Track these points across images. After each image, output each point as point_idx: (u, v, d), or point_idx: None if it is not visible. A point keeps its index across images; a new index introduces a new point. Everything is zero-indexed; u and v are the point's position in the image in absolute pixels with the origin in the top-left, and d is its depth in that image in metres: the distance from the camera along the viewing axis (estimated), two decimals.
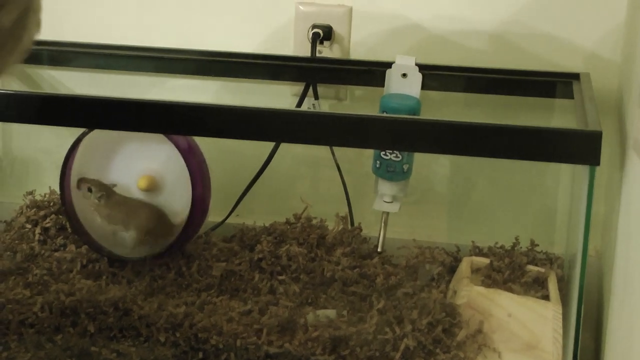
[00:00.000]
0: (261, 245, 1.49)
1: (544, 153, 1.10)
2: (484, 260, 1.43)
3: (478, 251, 1.51)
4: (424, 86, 1.43)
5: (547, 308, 1.27)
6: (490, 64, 1.52)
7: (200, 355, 1.26)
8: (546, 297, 1.31)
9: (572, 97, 1.38)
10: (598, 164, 1.10)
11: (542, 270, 1.39)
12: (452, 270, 1.46)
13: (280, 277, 1.45)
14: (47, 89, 1.70)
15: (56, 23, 1.59)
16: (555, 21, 1.53)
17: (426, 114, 1.38)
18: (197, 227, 1.48)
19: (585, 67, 1.52)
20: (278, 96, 1.61)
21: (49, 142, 1.73)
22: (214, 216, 1.58)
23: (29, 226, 1.57)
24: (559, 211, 1.59)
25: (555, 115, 1.53)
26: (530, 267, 1.41)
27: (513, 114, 1.54)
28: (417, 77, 1.42)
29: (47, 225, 1.56)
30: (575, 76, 1.46)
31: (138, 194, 1.51)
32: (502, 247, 1.50)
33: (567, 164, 1.45)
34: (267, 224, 1.57)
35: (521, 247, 1.49)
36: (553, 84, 1.47)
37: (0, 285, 1.35)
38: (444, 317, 1.25)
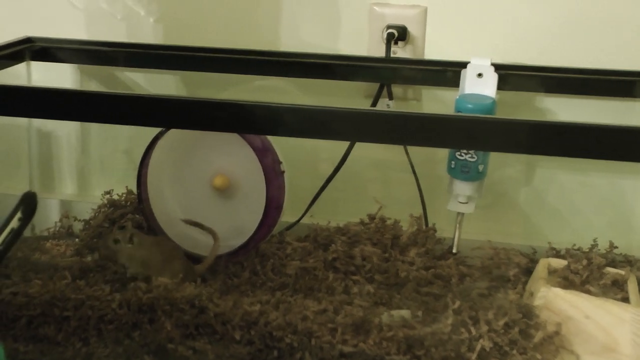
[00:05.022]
0: (335, 245, 1.49)
1: (625, 152, 1.07)
2: (561, 262, 1.41)
3: (555, 253, 1.49)
4: (499, 86, 1.41)
5: (626, 310, 1.24)
6: (570, 63, 1.50)
7: (275, 353, 1.26)
8: (626, 300, 1.29)
9: None
10: None
11: (622, 272, 1.37)
12: (528, 271, 1.45)
13: (354, 277, 1.45)
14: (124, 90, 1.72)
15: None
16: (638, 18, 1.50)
17: (502, 115, 1.37)
18: (271, 226, 1.49)
19: None
20: (350, 97, 1.60)
21: (126, 142, 1.75)
22: (288, 216, 1.58)
23: (107, 225, 1.59)
24: (639, 213, 1.57)
25: (636, 115, 1.51)
26: (609, 269, 1.38)
27: (592, 114, 1.52)
28: (492, 77, 1.40)
29: (124, 223, 1.57)
30: None
31: (212, 193, 1.52)
32: (579, 249, 1.48)
33: None
34: (341, 225, 1.57)
35: (599, 249, 1.47)
36: (633, 84, 1.45)
37: (80, 282, 1.36)
38: (520, 318, 1.23)
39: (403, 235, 1.51)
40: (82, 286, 1.35)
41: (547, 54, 1.52)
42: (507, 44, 1.53)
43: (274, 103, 1.08)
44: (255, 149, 1.42)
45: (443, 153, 1.48)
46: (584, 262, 1.39)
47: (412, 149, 1.58)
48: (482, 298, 1.32)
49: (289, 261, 1.48)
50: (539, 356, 1.20)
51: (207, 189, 1.53)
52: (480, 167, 1.41)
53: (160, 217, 1.53)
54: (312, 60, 1.55)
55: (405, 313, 1.33)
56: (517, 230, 1.62)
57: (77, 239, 1.64)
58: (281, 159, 1.47)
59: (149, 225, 1.53)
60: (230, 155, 1.50)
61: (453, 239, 1.51)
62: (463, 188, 1.44)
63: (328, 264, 1.47)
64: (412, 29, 1.56)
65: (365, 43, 1.58)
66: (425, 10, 1.55)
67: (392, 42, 1.54)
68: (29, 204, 1.64)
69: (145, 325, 1.28)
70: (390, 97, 1.56)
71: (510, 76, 1.46)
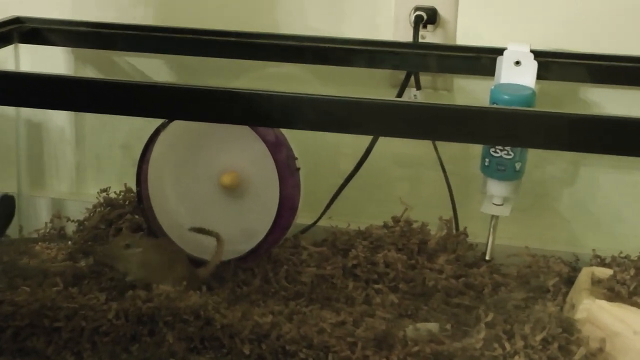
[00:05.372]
0: (356, 251, 1.50)
1: None
2: (606, 271, 1.41)
3: (599, 261, 1.49)
4: (539, 75, 1.42)
5: None
6: (619, 51, 1.50)
7: None
8: None
9: None
10: None
11: None
12: (569, 281, 1.45)
13: (376, 286, 1.45)
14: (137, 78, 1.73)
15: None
16: None
17: (542, 108, 1.37)
18: (284, 229, 1.50)
19: None
20: (375, 86, 1.61)
21: (125, 135, 1.76)
22: (303, 218, 1.59)
23: (103, 226, 1.60)
24: None
25: None
26: None
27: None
28: (531, 65, 1.41)
29: (122, 226, 1.59)
30: None
31: (220, 192, 1.53)
32: (627, 256, 1.48)
33: None
34: (362, 228, 1.58)
35: None
36: None
37: (73, 290, 1.37)
38: (560, 333, 1.24)
39: (431, 240, 1.52)
40: (74, 294, 1.36)
41: (594, 40, 1.52)
42: (549, 28, 1.53)
43: (289, 92, 1.09)
44: (268, 143, 1.43)
45: (476, 149, 1.49)
46: (632, 271, 1.39)
47: (441, 145, 1.58)
48: (518, 310, 1.33)
49: (304, 268, 1.49)
50: None
51: (214, 188, 1.54)
52: (518, 166, 1.41)
53: (161, 218, 1.54)
54: (332, 46, 1.55)
55: (432, 326, 1.33)
56: (558, 235, 1.62)
57: (69, 242, 1.65)
58: (296, 155, 1.47)
59: (149, 227, 1.54)
60: (240, 150, 1.51)
61: (486, 244, 1.52)
62: (498, 188, 1.44)
63: (347, 271, 1.48)
64: (443, 11, 1.56)
65: (390, 27, 1.59)
66: None
67: (421, 26, 1.55)
68: (4, 208, 1.65)
69: (144, 337, 1.29)
70: (418, 86, 1.57)
71: (552, 64, 1.47)
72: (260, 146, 1.43)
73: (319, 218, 1.65)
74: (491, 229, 1.50)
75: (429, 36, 1.57)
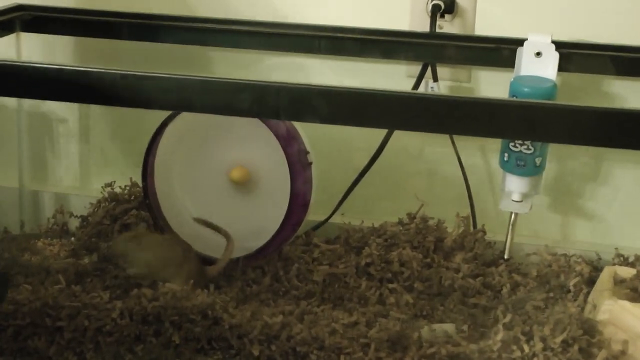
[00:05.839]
0: (369, 249, 1.50)
1: None
2: (629, 271, 1.41)
3: (622, 260, 1.49)
4: (561, 67, 1.42)
5: None
6: None
7: None
8: None
9: None
10: None
11: None
12: (591, 281, 1.45)
13: (390, 285, 1.46)
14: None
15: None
16: None
17: (563, 101, 1.37)
18: (296, 225, 1.50)
19: None
20: (391, 77, 1.61)
21: (131, 127, 1.77)
22: (315, 214, 1.60)
23: (107, 222, 1.61)
24: None
25: None
26: None
27: None
28: (553, 57, 1.41)
29: (128, 221, 1.59)
30: None
31: (229, 187, 1.54)
32: None
33: None
34: (376, 225, 1.58)
35: None
36: None
37: (76, 288, 1.38)
38: (581, 335, 1.24)
39: (448, 238, 1.52)
40: (77, 292, 1.36)
41: (618, 30, 1.52)
42: (571, 17, 1.53)
43: (301, 84, 1.09)
44: (279, 136, 1.43)
45: (495, 144, 1.49)
46: None
47: (459, 139, 1.58)
48: (537, 311, 1.33)
49: (316, 266, 1.49)
50: None
51: (224, 183, 1.54)
52: (538, 161, 1.41)
53: (168, 213, 1.55)
54: (345, 36, 1.55)
55: (448, 327, 1.34)
56: (580, 233, 1.63)
57: (72, 238, 1.66)
58: (308, 149, 1.48)
59: (155, 223, 1.54)
60: (250, 144, 1.52)
61: (505, 242, 1.52)
62: (518, 184, 1.45)
63: (361, 269, 1.48)
64: (461, 0, 1.56)
65: (406, 16, 1.59)
66: None
67: (438, 15, 1.55)
68: None
69: (150, 338, 1.29)
70: (435, 78, 1.57)
71: (574, 55, 1.47)
72: (271, 140, 1.43)
73: (332, 214, 1.65)
74: (510, 227, 1.51)
75: (446, 26, 1.58)
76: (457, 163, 1.59)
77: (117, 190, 1.66)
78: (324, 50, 1.56)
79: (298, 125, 1.48)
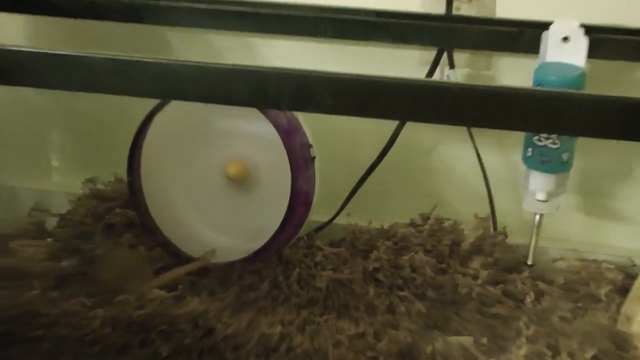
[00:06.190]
0: (378, 252, 1.50)
1: None
2: None
3: None
4: (591, 54, 1.42)
5: None
6: None
7: None
8: None
9: None
10: None
11: None
12: (624, 290, 1.45)
13: (401, 293, 1.46)
14: None
15: None
16: None
17: (593, 90, 1.37)
18: (297, 226, 1.50)
19: None
20: (403, 64, 1.61)
21: (115, 117, 1.76)
22: (318, 214, 1.59)
23: (89, 222, 1.61)
24: None
25: None
26: None
27: None
28: (581, 42, 1.41)
29: (112, 221, 1.59)
30: None
31: (224, 184, 1.54)
32: None
33: None
34: (385, 226, 1.58)
35: None
36: None
37: (53, 294, 1.38)
38: (613, 350, 1.24)
39: (465, 241, 1.52)
40: (56, 299, 1.36)
41: None
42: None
43: (304, 70, 1.09)
44: (279, 128, 1.43)
45: (518, 138, 1.49)
46: None
47: (478, 132, 1.58)
48: (564, 323, 1.33)
49: (319, 271, 1.49)
50: None
51: (218, 179, 1.54)
52: (565, 156, 1.41)
53: (156, 212, 1.54)
54: (352, 18, 1.55)
55: (465, 340, 1.34)
56: (611, 237, 1.62)
57: (50, 239, 1.65)
58: (312, 142, 1.48)
59: (142, 223, 1.54)
60: (247, 137, 1.52)
61: (529, 246, 1.52)
62: (542, 182, 1.44)
63: (368, 275, 1.48)
64: None
65: None
66: None
67: None
68: None
69: (135, 349, 1.30)
70: (452, 65, 1.57)
71: (605, 41, 1.46)
72: (271, 132, 1.43)
73: (336, 214, 1.65)
74: (534, 229, 1.50)
75: (464, 7, 1.57)
76: (476, 158, 1.59)
77: (100, 186, 1.66)
78: (329, 33, 1.56)
79: (300, 117, 1.48)
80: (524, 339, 1.28)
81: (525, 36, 1.49)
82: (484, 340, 1.34)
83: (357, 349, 1.29)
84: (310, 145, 1.47)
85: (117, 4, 1.59)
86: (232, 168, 1.51)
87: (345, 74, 1.08)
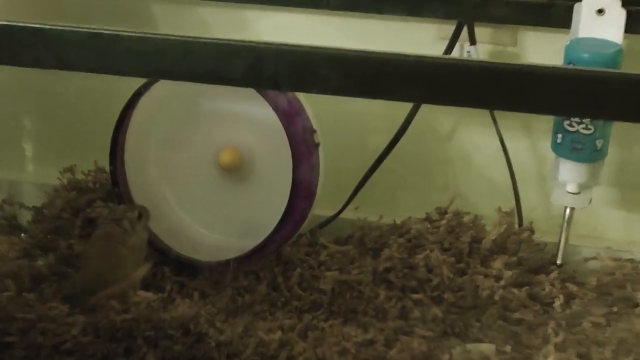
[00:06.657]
0: (389, 251, 1.51)
1: None
2: None
3: None
4: (628, 28, 1.42)
5: None
6: None
7: None
8: None
9: None
10: None
11: None
12: None
13: (415, 296, 1.46)
14: None
15: None
16: None
17: (631, 68, 1.38)
18: (298, 222, 1.51)
19: None
20: (419, 40, 1.62)
21: (97, 99, 1.77)
22: (323, 208, 1.60)
23: (67, 215, 1.61)
24: None
25: None
26: None
27: None
28: (618, 15, 1.41)
29: (92, 215, 1.59)
30: None
31: (217, 174, 1.54)
32: None
33: None
34: (397, 221, 1.58)
35: None
36: None
37: (29, 296, 1.38)
38: None
39: (486, 238, 1.52)
40: (31, 301, 1.37)
41: None
42: None
43: (306, 46, 1.09)
44: (279, 111, 1.43)
45: (546, 122, 1.49)
46: None
47: (501, 116, 1.59)
48: (596, 329, 1.33)
49: (323, 272, 1.50)
50: None
51: (210, 168, 1.55)
52: (599, 143, 1.41)
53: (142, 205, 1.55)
54: None
55: (486, 348, 1.34)
56: None
57: (23, 234, 1.66)
58: (315, 127, 1.48)
59: None
60: (244, 120, 1.52)
61: (558, 244, 1.52)
62: (574, 172, 1.45)
63: (379, 276, 1.49)
64: None
65: None
66: None
67: None
68: None
69: (119, 358, 1.30)
70: (473, 41, 1.57)
71: None
72: (270, 115, 1.43)
73: (343, 208, 1.65)
74: (564, 225, 1.51)
75: None
76: (499, 145, 1.59)
77: (79, 176, 1.67)
78: (333, 5, 1.56)
79: (303, 98, 1.48)
80: (551, 347, 1.28)
81: (555, 8, 1.50)
82: (507, 348, 1.34)
83: (365, 357, 1.30)
84: (314, 130, 1.47)
85: None
86: (225, 156, 1.51)
87: (352, 50, 1.08)
